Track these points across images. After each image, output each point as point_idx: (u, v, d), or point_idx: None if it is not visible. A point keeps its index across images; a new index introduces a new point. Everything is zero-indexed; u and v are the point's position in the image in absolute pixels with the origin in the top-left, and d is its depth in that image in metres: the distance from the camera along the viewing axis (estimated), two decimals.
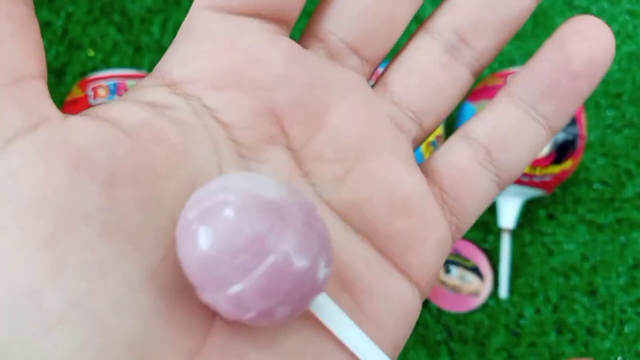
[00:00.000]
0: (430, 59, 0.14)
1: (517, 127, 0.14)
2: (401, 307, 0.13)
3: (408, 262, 0.14)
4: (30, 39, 0.11)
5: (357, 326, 0.12)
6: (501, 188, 0.15)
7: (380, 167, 0.14)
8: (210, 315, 0.11)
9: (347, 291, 0.13)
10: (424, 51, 0.14)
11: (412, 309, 0.13)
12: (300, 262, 0.10)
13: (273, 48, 0.13)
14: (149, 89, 0.12)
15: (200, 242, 0.10)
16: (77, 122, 0.11)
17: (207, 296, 0.10)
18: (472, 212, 0.15)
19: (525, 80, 0.14)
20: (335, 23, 0.13)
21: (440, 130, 0.38)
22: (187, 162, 0.12)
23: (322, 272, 0.11)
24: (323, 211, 0.13)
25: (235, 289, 0.10)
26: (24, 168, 0.10)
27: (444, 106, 0.15)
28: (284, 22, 0.13)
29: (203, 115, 0.12)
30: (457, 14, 0.14)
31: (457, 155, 0.14)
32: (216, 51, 0.12)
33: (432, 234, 0.14)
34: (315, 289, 0.11)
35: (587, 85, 0.14)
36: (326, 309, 0.12)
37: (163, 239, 0.11)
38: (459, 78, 0.14)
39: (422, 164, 0.15)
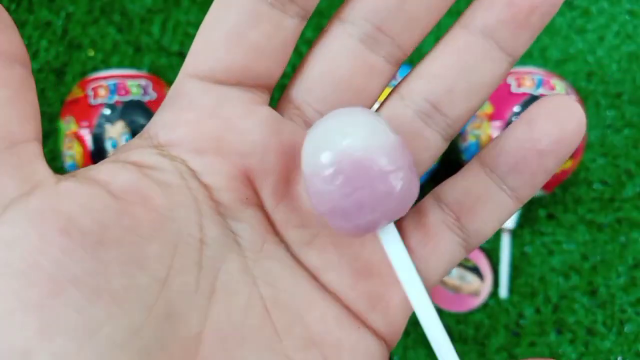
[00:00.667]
0: (403, 127, 0.15)
1: (486, 197, 0.15)
2: None
3: (373, 320, 0.14)
4: (26, 101, 0.12)
5: (411, 261, 0.13)
6: (468, 251, 0.15)
7: None
8: None
9: (315, 345, 0.13)
10: (396, 118, 0.15)
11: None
12: (393, 179, 0.12)
13: (251, 118, 0.14)
14: (138, 150, 0.13)
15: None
16: (67, 188, 0.12)
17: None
18: (437, 273, 0.15)
19: (496, 151, 0.14)
20: (311, 94, 0.14)
21: None
22: (170, 224, 0.12)
23: (405, 201, 0.13)
24: (295, 268, 0.14)
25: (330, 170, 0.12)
26: (18, 238, 0.11)
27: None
28: (265, 88, 0.14)
29: (187, 176, 0.13)
30: (430, 81, 0.14)
31: (427, 217, 0.15)
32: (198, 119, 0.13)
33: (395, 294, 0.15)
34: (393, 213, 0.13)
35: (554, 162, 0.14)
36: (391, 237, 0.13)
37: (146, 298, 0.12)
38: (431, 146, 0.15)
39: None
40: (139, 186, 0.12)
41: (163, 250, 0.12)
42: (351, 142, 0.12)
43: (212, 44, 0.13)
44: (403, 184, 0.12)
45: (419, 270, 0.15)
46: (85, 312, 0.11)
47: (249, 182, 0.14)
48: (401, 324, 0.15)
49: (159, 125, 0.14)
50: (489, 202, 0.15)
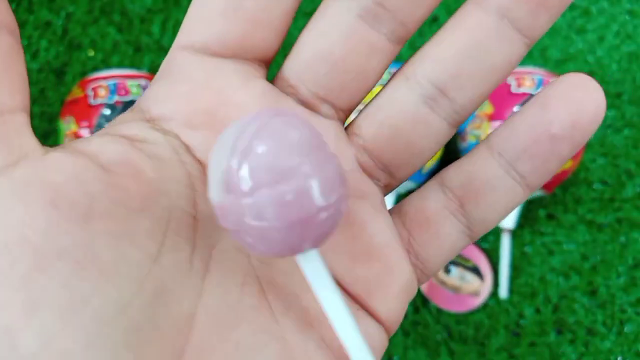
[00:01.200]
0: (406, 112, 0.14)
1: (493, 183, 0.14)
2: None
3: (372, 306, 0.14)
4: (14, 71, 0.11)
5: (337, 289, 0.12)
6: (472, 240, 0.14)
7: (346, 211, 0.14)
8: (180, 346, 0.11)
9: (312, 327, 0.13)
10: (399, 103, 0.14)
11: (377, 345, 0.14)
12: (319, 201, 0.10)
13: (247, 92, 0.13)
14: (130, 123, 0.13)
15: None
16: (55, 158, 0.11)
17: (227, 198, 0.11)
18: (438, 260, 0.14)
19: (506, 135, 0.13)
20: (306, 74, 0.13)
21: None
22: (162, 198, 0.12)
23: (327, 223, 0.11)
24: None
25: (250, 199, 0.10)
26: (4, 210, 0.10)
27: (417, 160, 0.14)
28: (262, 61, 0.13)
29: (180, 151, 0.13)
30: (438, 63, 0.13)
31: (429, 202, 0.14)
32: (192, 92, 0.13)
33: (395, 280, 0.14)
34: (314, 238, 0.11)
35: (568, 148, 0.13)
36: (313, 264, 0.12)
37: (135, 272, 0.11)
38: (435, 133, 0.14)
39: (395, 206, 0.15)
40: (129, 158, 0.12)
41: (154, 226, 0.11)
42: (267, 156, 0.10)
43: (207, 15, 0.13)
44: (329, 210, 0.11)
45: (420, 256, 0.14)
46: (72, 287, 0.10)
47: None
48: (401, 310, 0.14)
49: (151, 98, 0.13)
50: (496, 188, 0.14)
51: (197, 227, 0.12)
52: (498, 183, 0.14)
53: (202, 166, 0.13)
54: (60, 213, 0.11)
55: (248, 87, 0.13)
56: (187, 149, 0.13)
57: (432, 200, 0.14)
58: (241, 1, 0.13)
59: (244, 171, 0.10)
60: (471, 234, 0.14)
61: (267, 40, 0.13)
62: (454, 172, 0.14)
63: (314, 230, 0.11)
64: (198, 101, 0.13)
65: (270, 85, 0.14)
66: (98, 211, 0.11)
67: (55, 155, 0.11)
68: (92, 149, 0.12)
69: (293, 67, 0.14)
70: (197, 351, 0.12)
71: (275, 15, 0.13)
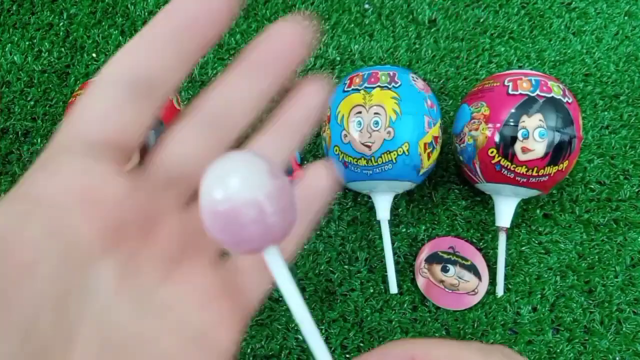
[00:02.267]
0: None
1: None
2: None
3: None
4: None
5: (292, 279, 0.16)
6: None
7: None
8: None
9: (166, 315, 0.16)
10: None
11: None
12: (273, 216, 0.15)
13: (117, 178, 0.16)
14: (10, 202, 0.15)
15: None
16: None
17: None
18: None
19: None
20: (169, 161, 0.17)
21: (437, 132, 0.38)
22: (31, 281, 0.14)
23: (283, 228, 0.15)
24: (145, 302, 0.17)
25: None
26: None
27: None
28: (128, 149, 0.17)
29: (55, 230, 0.15)
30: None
31: None
32: (69, 176, 0.16)
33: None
34: (273, 238, 0.15)
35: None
36: (275, 258, 0.16)
37: (13, 337, 0.13)
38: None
39: None
40: (6, 240, 0.14)
41: (26, 302, 0.13)
42: (234, 189, 0.15)
43: (91, 115, 0.16)
44: (277, 219, 0.15)
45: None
46: None
47: (115, 232, 0.16)
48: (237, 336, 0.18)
49: (33, 182, 0.15)
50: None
51: (66, 297, 0.14)
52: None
53: (75, 241, 0.15)
54: None
55: (118, 174, 0.16)
56: (62, 228, 0.15)
57: None
58: (118, 112, 0.16)
59: (218, 199, 0.15)
60: None
61: (132, 140, 0.17)
62: None
63: (269, 235, 0.15)
64: (75, 185, 0.15)
65: (135, 172, 0.17)
66: None
67: None
68: None
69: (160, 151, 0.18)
70: None
71: (138, 127, 0.17)
